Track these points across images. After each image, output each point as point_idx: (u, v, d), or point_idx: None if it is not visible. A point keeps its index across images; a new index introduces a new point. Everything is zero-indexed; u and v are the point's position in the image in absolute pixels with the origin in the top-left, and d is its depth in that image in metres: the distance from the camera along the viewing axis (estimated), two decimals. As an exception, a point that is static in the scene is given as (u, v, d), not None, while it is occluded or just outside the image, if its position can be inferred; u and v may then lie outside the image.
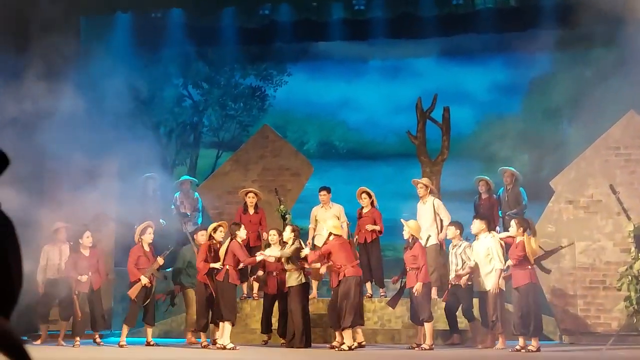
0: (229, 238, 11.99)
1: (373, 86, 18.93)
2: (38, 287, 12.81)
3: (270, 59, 19.63)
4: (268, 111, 19.60)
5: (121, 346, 12.07)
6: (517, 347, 11.03)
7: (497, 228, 14.05)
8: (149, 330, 12.39)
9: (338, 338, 11.68)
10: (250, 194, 13.82)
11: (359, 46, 18.59)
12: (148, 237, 12.41)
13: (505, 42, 17.55)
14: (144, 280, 12.10)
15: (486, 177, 14.45)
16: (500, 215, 14.08)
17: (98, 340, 12.40)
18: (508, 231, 11.90)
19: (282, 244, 12.33)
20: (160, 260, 12.32)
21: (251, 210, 13.80)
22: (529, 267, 10.99)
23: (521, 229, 11.17)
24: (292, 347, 11.79)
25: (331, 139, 19.46)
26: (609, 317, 12.65)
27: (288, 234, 12.21)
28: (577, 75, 16.15)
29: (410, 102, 15.59)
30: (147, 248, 12.39)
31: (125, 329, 12.31)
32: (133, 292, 12.07)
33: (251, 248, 13.21)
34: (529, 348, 10.82)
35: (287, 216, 13.65)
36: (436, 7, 16.67)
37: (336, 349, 11.40)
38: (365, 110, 19.03)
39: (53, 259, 12.85)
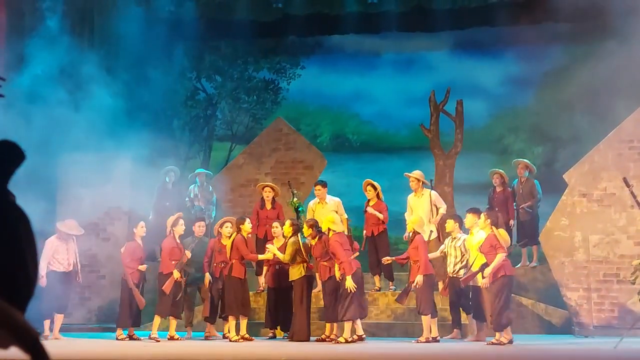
0: (235, 232, 11.98)
1: (386, 79, 18.88)
2: (40, 280, 12.23)
3: (283, 52, 19.61)
4: (281, 104, 19.58)
5: (152, 338, 11.85)
6: (493, 340, 10.91)
7: (512, 221, 14.07)
8: (174, 323, 12.08)
9: (327, 331, 11.68)
10: (267, 189, 13.58)
11: (372, 39, 18.59)
12: (180, 229, 12.23)
13: (519, 35, 17.45)
14: (177, 274, 11.96)
15: (501, 169, 14.42)
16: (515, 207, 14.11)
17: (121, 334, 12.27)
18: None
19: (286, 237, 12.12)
20: (188, 254, 12.13)
21: (268, 205, 13.56)
22: (504, 259, 10.89)
23: (489, 220, 11.02)
24: (293, 340, 11.63)
25: (344, 132, 19.42)
26: (623, 310, 12.62)
27: (287, 228, 12.01)
28: (591, 68, 16.05)
29: (423, 95, 15.57)
30: (178, 240, 12.24)
31: (157, 320, 12.08)
32: (168, 287, 11.91)
33: (267, 242, 13.16)
34: (501, 340, 10.72)
35: (300, 209, 13.58)
36: (449, 0, 16.65)
37: (333, 342, 11.26)
38: (379, 103, 18.99)
39: (61, 252, 12.49)
